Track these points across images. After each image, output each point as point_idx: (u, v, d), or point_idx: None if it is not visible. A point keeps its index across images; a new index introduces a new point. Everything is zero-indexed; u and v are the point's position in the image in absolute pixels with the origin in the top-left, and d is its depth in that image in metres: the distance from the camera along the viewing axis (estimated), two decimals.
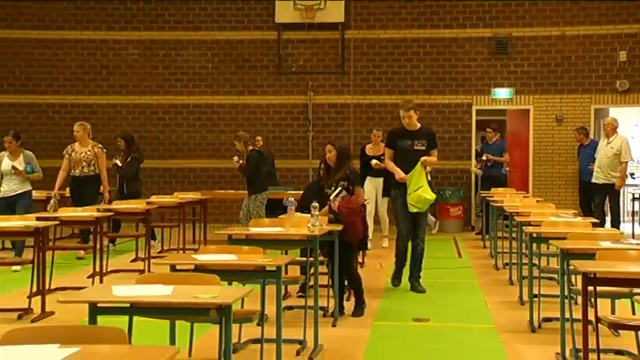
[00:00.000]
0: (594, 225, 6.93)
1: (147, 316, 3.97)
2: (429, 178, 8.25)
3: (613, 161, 11.62)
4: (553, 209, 8.55)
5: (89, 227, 9.54)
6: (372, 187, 11.04)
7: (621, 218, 12.60)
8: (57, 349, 2.69)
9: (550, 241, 6.21)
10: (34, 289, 7.08)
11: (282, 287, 6.50)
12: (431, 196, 8.12)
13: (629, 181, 13.38)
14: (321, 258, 6.94)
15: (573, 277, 6.04)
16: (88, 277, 8.35)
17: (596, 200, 11.84)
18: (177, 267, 4.73)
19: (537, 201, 10.22)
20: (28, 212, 8.92)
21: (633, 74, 14.22)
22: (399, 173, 8.16)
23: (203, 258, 4.88)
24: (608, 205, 11.95)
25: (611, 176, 11.62)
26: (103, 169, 10.41)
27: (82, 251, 10.30)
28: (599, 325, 4.76)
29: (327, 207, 6.95)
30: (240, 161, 10.53)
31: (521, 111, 14.74)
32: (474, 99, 14.69)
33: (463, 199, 14.34)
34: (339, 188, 7.06)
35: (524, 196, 11.03)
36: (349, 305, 7.21)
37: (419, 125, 8.36)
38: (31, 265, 7.16)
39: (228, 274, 4.90)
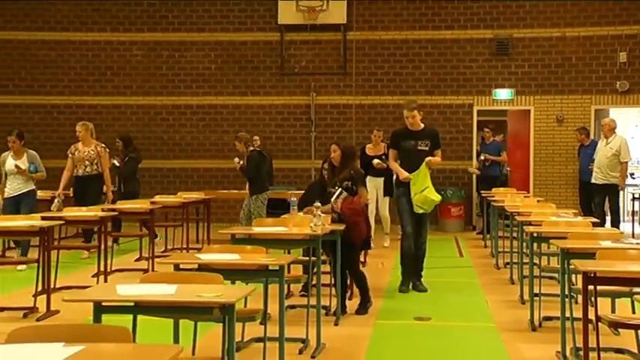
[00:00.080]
0: (594, 225, 6.97)
1: (151, 315, 4.02)
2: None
3: (612, 161, 11.63)
4: (553, 209, 8.58)
5: (92, 227, 9.61)
6: (372, 187, 11.02)
7: (621, 218, 12.63)
8: (62, 348, 2.70)
9: (550, 241, 6.22)
10: (40, 288, 7.12)
11: (285, 286, 6.53)
12: (437, 197, 8.11)
13: (629, 181, 13.38)
14: (323, 257, 6.99)
15: (574, 276, 6.05)
16: (93, 276, 8.39)
17: (596, 200, 11.85)
18: (181, 266, 4.74)
19: (538, 201, 10.25)
20: (32, 212, 8.93)
21: (633, 75, 14.24)
22: (402, 173, 8.13)
23: (206, 257, 4.90)
24: (608, 205, 11.97)
25: (611, 176, 11.63)
26: (106, 169, 10.42)
27: (85, 252, 10.32)
28: (599, 323, 4.78)
29: (329, 205, 6.97)
30: (241, 162, 10.53)
31: (522, 111, 14.77)
32: (475, 100, 14.72)
33: (464, 199, 14.38)
34: (340, 189, 7.09)
35: (525, 196, 11.05)
36: (351, 304, 7.23)
37: (422, 125, 8.31)
38: (36, 264, 7.20)
39: (232, 273, 4.94)
